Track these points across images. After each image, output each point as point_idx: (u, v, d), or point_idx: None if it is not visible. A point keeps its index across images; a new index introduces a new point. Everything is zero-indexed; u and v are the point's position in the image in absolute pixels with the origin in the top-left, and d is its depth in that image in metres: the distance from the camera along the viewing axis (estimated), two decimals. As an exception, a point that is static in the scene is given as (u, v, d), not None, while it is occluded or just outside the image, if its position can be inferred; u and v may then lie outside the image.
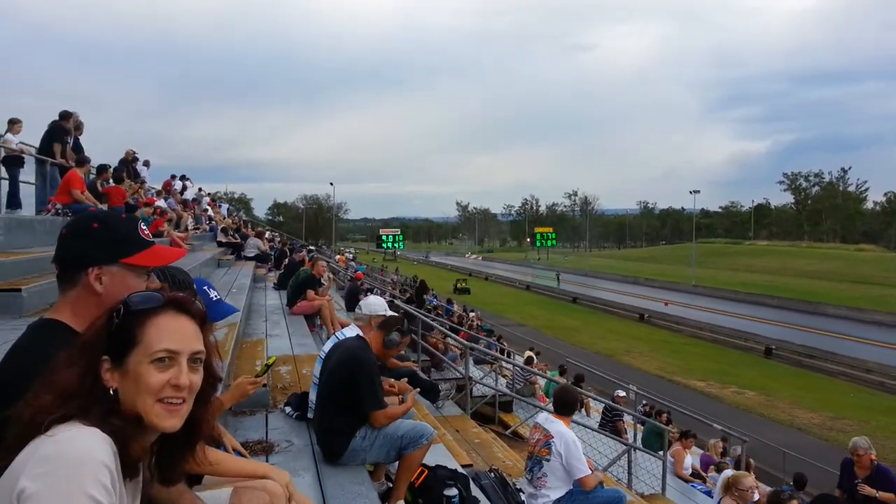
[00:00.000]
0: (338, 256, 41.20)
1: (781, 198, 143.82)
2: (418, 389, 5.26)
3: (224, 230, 18.00)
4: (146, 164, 18.20)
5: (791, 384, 28.23)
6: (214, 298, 2.79)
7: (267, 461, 3.55)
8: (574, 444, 5.27)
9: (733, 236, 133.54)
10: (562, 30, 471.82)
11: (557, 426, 5.36)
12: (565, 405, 5.55)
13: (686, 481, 11.02)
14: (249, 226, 26.50)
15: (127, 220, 1.89)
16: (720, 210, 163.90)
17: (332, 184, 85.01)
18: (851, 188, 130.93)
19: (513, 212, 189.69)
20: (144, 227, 1.84)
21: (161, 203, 14.64)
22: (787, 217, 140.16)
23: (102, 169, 12.32)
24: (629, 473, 9.45)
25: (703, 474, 11.51)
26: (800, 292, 57.88)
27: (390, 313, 4.35)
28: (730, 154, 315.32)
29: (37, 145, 11.27)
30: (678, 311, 48.50)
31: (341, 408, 3.80)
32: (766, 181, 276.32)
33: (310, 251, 20.38)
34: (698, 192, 75.34)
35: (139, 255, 1.74)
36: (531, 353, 18.33)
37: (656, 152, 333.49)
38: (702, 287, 65.01)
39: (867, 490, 6.99)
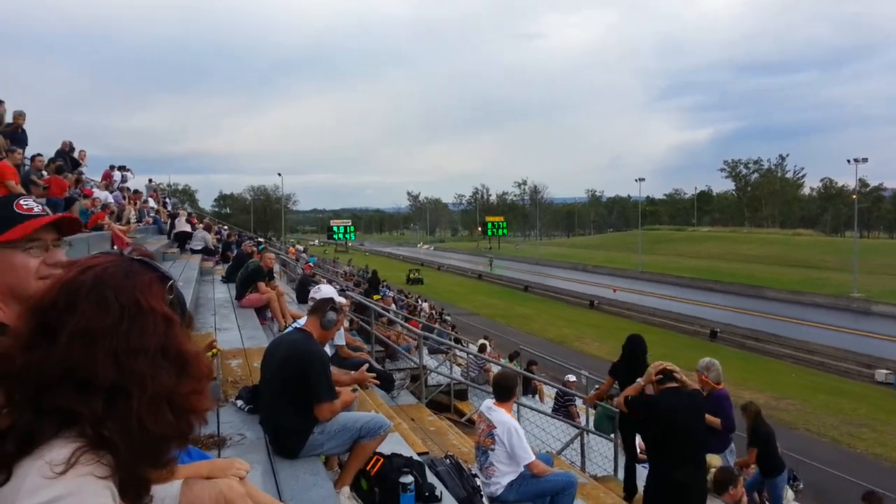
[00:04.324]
0: (289, 248, 40.70)
1: (723, 185, 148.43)
2: (373, 376, 5.24)
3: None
4: (82, 155, 17.53)
5: (736, 366, 29.15)
6: None
7: (220, 455, 3.48)
8: (516, 432, 5.25)
9: (677, 223, 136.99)
10: (510, 18, 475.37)
11: (499, 415, 5.33)
12: (505, 391, 5.51)
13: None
14: (195, 217, 25.85)
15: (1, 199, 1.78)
16: (664, 197, 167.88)
17: (279, 174, 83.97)
18: (789, 175, 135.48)
19: (464, 201, 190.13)
20: (25, 203, 1.70)
21: (100, 194, 14.14)
22: (728, 203, 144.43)
23: (51, 161, 11.89)
24: (582, 456, 9.62)
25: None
26: (742, 276, 59.81)
27: (340, 299, 4.33)
28: (674, 142, 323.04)
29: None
30: (626, 297, 49.57)
31: (295, 406, 3.75)
32: (708, 169, 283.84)
33: (258, 243, 20.03)
34: (643, 180, 77.04)
35: (12, 230, 1.63)
36: (484, 341, 18.44)
37: (604, 141, 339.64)
38: (648, 273, 66.66)
39: None
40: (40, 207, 1.74)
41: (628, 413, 5.92)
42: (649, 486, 5.61)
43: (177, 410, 1.11)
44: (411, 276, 65.29)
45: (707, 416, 6.89)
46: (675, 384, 5.55)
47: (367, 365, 5.20)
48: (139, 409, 1.05)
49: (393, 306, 18.86)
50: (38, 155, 11.54)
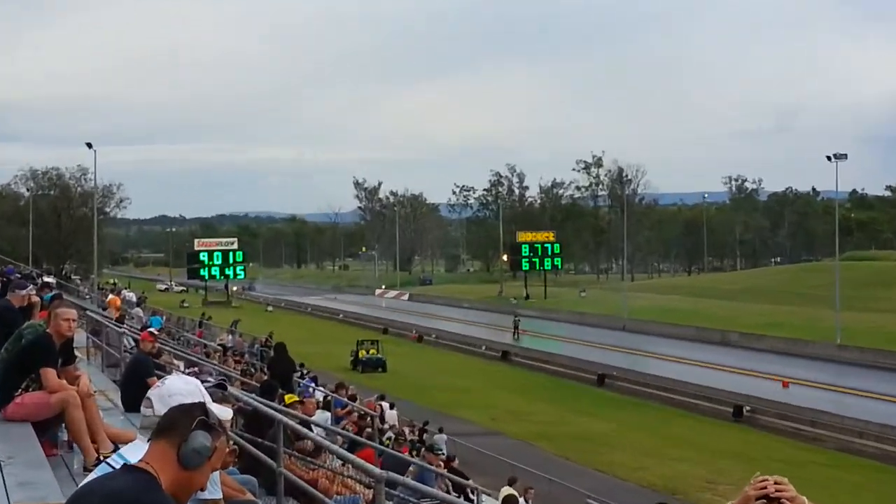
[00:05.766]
0: (110, 297, 40.91)
1: None
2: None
3: None
4: None
5: None
6: None
7: None
8: None
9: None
10: None
11: None
12: None
13: None
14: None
15: None
16: (889, 194, 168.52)
17: (90, 145, 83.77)
18: None
19: (472, 200, 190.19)
20: None
21: None
22: None
23: None
24: None
25: None
26: None
27: (218, 408, 4.34)
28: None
29: None
30: (809, 398, 49.53)
31: None
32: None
33: (44, 286, 20.07)
34: (844, 157, 76.86)
35: None
36: (511, 490, 18.44)
37: (753, 84, 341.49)
38: (853, 349, 66.57)
39: None
40: None
41: None
42: None
43: None
44: (362, 354, 65.51)
45: None
46: None
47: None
48: None
49: (322, 416, 18.88)
50: None
